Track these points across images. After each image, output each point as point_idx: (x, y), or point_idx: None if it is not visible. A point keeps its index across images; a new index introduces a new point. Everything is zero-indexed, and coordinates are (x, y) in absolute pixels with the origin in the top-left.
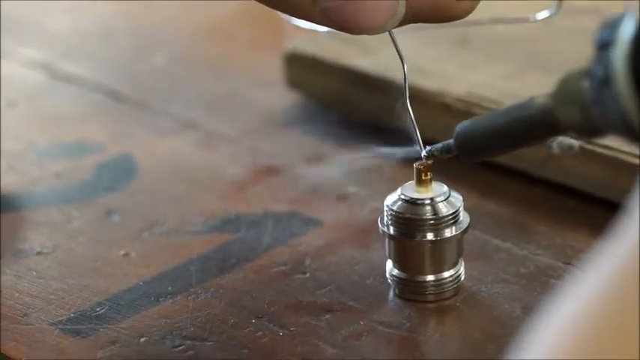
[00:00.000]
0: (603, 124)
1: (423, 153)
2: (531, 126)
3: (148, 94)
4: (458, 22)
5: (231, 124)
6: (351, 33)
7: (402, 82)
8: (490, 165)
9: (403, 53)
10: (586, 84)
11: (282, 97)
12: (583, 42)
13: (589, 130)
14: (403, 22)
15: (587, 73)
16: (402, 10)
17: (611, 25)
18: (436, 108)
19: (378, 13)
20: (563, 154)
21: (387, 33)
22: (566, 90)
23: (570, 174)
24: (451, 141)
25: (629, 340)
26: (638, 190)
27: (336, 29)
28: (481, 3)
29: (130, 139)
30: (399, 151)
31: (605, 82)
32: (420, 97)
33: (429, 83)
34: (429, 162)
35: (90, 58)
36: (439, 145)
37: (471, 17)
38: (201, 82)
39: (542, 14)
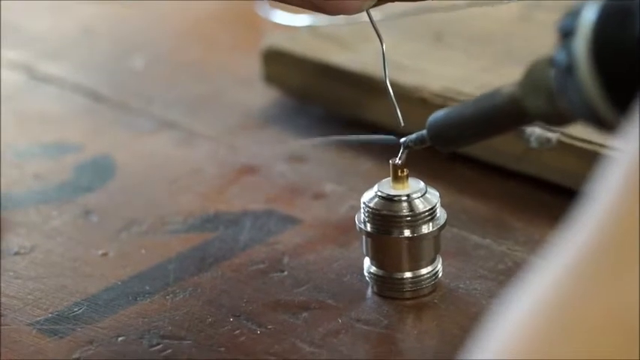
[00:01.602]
0: (569, 112)
1: (401, 142)
2: (500, 115)
3: (127, 95)
4: (436, 6)
5: (209, 123)
6: (329, 14)
7: (380, 76)
8: (468, 160)
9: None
10: (551, 72)
11: (261, 96)
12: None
13: (556, 118)
14: (380, 2)
15: (551, 62)
16: None
17: (574, 13)
18: (414, 103)
19: None
20: (541, 148)
21: (365, 14)
22: (532, 79)
23: (548, 168)
24: (424, 131)
25: (581, 334)
26: (599, 174)
27: (315, 10)
28: None
29: (109, 140)
30: (374, 139)
31: (568, 69)
32: (398, 92)
33: (406, 78)
34: (403, 156)
35: (70, 59)
36: (413, 135)
37: (448, 2)
38: (180, 83)
39: None
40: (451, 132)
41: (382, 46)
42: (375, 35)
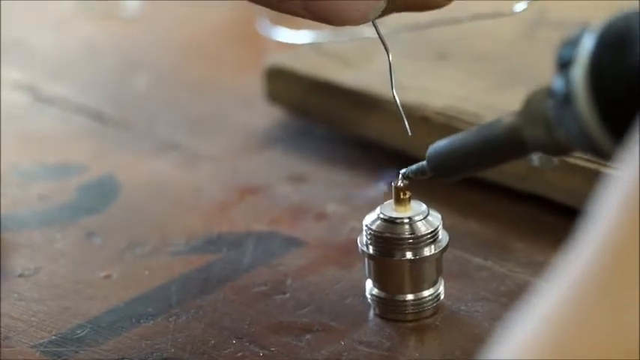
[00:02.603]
0: (568, 142)
1: (400, 174)
2: (500, 145)
3: (130, 115)
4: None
5: (213, 144)
6: (334, 25)
7: (385, 95)
8: (470, 181)
9: (383, 70)
10: (549, 102)
11: (264, 116)
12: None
13: (555, 148)
14: (385, 12)
15: (550, 92)
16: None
17: (572, 42)
18: (416, 121)
19: (359, 4)
20: (543, 167)
21: (366, 32)
22: (531, 109)
23: (551, 187)
24: (424, 162)
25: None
26: (599, 196)
27: (319, 21)
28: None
29: (112, 161)
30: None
31: (566, 99)
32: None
33: (408, 97)
34: (405, 182)
35: (73, 79)
36: (413, 166)
37: (450, 15)
38: (183, 103)
39: (520, 5)
40: (452, 162)
41: (388, 55)
42: (379, 51)
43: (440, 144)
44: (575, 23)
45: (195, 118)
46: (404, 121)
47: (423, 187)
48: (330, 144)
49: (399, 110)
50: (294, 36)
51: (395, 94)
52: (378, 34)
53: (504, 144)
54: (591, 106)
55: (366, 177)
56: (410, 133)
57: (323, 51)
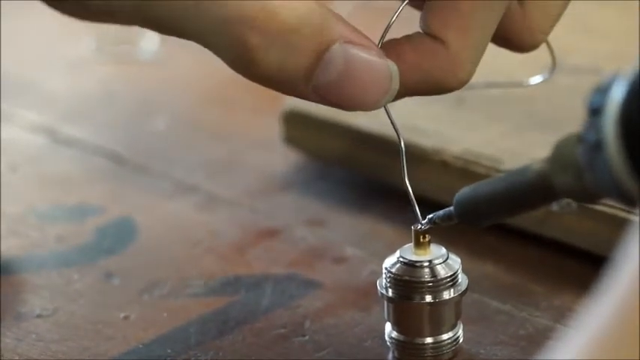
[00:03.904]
0: (597, 190)
1: (424, 222)
2: (529, 192)
3: (148, 158)
4: None
5: (230, 186)
6: (345, 109)
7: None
8: (488, 225)
9: (400, 114)
10: (579, 149)
11: (281, 159)
12: (582, 101)
13: (584, 194)
14: (398, 97)
15: (580, 138)
16: (395, 85)
17: (602, 90)
18: (434, 165)
19: (371, 89)
20: (562, 212)
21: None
22: (560, 155)
23: (570, 232)
24: (451, 208)
25: None
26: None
27: (330, 106)
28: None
29: (130, 202)
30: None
31: (596, 147)
32: (417, 155)
33: (426, 141)
34: (431, 226)
35: (90, 120)
36: (440, 212)
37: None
38: (201, 146)
39: (536, 79)
40: (479, 208)
41: (400, 142)
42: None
43: (467, 190)
44: (592, 69)
45: (212, 161)
46: (415, 208)
47: (441, 231)
48: (348, 187)
49: (411, 197)
50: None
51: (407, 182)
52: (390, 119)
53: (533, 190)
54: (622, 155)
55: (384, 220)
56: (421, 221)
57: None
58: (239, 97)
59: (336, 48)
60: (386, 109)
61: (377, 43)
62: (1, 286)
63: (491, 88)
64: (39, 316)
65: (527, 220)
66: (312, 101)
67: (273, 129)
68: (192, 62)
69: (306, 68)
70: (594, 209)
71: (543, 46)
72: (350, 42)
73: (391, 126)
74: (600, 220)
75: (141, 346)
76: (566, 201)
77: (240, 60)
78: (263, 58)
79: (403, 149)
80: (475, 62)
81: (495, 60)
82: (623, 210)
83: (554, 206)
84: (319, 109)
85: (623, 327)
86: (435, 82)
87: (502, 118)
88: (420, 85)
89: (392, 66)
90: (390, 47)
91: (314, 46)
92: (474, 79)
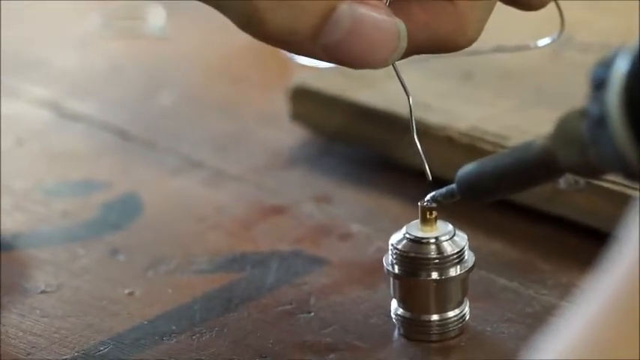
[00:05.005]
0: (601, 164)
1: (427, 198)
2: (532, 167)
3: (154, 133)
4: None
5: (237, 162)
6: (353, 68)
7: (407, 115)
8: (495, 202)
9: (408, 88)
10: (583, 124)
11: (288, 135)
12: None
13: (588, 169)
14: (405, 55)
15: (583, 113)
16: (403, 43)
17: (606, 63)
18: (440, 142)
19: (379, 48)
20: (570, 189)
21: (391, 66)
22: (564, 130)
23: (578, 209)
24: (454, 185)
25: None
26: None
27: (339, 64)
28: (482, 33)
29: (136, 178)
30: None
31: (600, 121)
32: (424, 132)
33: (433, 117)
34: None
35: (97, 96)
36: (442, 190)
37: (471, 47)
38: (208, 121)
39: (544, 41)
40: (482, 185)
41: (409, 100)
42: (403, 71)
43: (469, 167)
44: (602, 46)
45: (219, 137)
46: (425, 167)
47: (448, 208)
48: (354, 163)
49: (422, 156)
50: None
51: (417, 139)
52: (398, 77)
53: (537, 166)
54: (626, 128)
55: (390, 196)
56: (430, 179)
57: (348, 72)
58: (246, 72)
59: (344, 7)
60: (394, 68)
61: (385, 1)
62: (5, 261)
63: (499, 52)
64: (43, 291)
65: (534, 197)
66: (322, 60)
67: (280, 105)
68: (200, 38)
69: (314, 27)
70: (602, 186)
71: (552, 18)
72: (358, 0)
73: (397, 101)
74: (608, 198)
75: (145, 322)
76: (573, 178)
77: (250, 21)
78: (272, 18)
79: (411, 106)
80: (483, 20)
81: (503, 31)
82: (631, 187)
83: (562, 184)
84: (327, 86)
85: (626, 303)
86: (443, 40)
87: (510, 94)
88: (428, 44)
89: (400, 24)
90: (398, 6)
91: (321, 6)
92: (482, 45)
